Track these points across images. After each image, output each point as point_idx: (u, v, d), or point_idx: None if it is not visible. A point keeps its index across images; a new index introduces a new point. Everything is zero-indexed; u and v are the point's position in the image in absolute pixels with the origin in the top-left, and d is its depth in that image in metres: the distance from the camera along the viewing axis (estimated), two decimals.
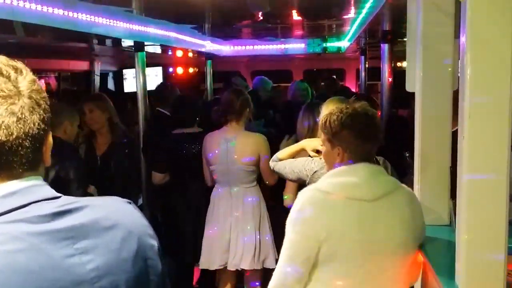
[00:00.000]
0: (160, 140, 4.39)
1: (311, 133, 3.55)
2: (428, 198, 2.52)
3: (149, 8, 4.67)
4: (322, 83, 8.89)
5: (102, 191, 3.79)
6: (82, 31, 3.93)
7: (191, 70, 10.09)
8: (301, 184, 2.93)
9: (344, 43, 8.02)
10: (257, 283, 3.98)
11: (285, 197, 3.69)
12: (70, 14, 3.66)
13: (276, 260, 2.16)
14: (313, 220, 2.00)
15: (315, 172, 2.79)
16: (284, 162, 3.03)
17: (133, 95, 5.56)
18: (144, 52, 5.35)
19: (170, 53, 7.85)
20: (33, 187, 1.04)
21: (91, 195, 3.61)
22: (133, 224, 1.14)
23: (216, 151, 3.89)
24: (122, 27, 4.59)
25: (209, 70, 8.17)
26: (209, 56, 8.11)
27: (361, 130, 2.11)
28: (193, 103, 4.41)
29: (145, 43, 5.43)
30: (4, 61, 1.04)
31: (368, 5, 4.41)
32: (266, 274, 3.75)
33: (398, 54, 5.49)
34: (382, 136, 2.23)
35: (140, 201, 4.83)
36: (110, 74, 8.41)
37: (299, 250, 2.02)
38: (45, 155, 1.09)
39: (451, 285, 1.82)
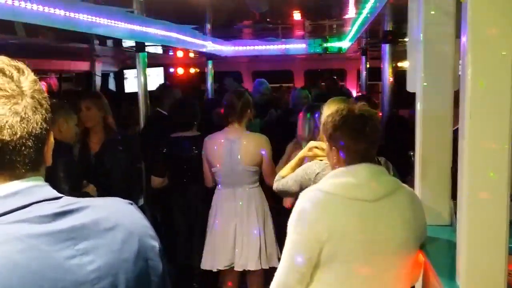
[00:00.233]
0: (158, 143, 4.40)
1: (312, 135, 3.54)
2: (429, 198, 2.52)
3: (150, 8, 4.68)
4: (322, 84, 8.89)
5: (99, 190, 3.78)
6: (83, 32, 3.93)
7: (192, 70, 10.10)
8: None
9: (345, 43, 8.03)
10: (260, 283, 3.98)
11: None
12: (71, 14, 3.66)
13: (279, 260, 2.16)
14: (314, 220, 2.00)
15: (317, 174, 2.79)
16: (286, 177, 3.02)
17: (134, 95, 5.58)
18: (145, 53, 5.36)
19: (171, 53, 7.86)
20: (34, 188, 1.04)
21: (89, 194, 3.61)
22: (134, 225, 1.13)
23: (219, 153, 3.90)
24: (123, 28, 4.60)
25: (210, 71, 8.18)
26: (210, 56, 8.12)
27: (354, 131, 2.11)
28: (192, 106, 4.39)
29: (146, 44, 5.44)
30: (6, 61, 1.05)
31: (369, 5, 4.41)
32: (268, 274, 3.75)
33: (399, 54, 5.50)
34: (381, 137, 2.23)
35: (141, 202, 4.84)
36: (111, 75, 8.42)
37: (300, 250, 2.02)
38: (46, 155, 1.10)
39: (452, 285, 1.82)
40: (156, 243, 1.16)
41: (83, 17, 3.87)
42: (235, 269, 3.90)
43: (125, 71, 8.18)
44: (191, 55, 7.90)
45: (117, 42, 5.92)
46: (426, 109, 2.53)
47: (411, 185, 2.46)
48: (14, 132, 1.00)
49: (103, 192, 3.75)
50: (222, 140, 3.90)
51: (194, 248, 4.15)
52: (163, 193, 4.37)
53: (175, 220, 4.24)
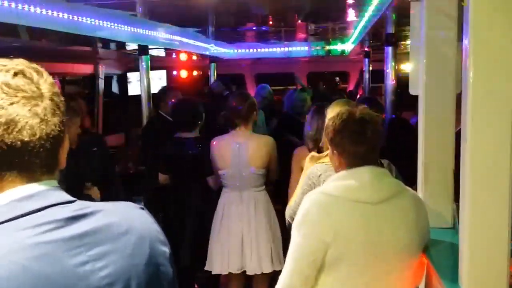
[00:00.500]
0: (158, 143, 4.41)
1: (319, 135, 3.53)
2: (432, 201, 2.52)
3: (153, 11, 4.69)
4: (324, 86, 8.88)
5: (76, 191, 3.76)
6: (87, 35, 3.94)
7: (195, 73, 10.11)
8: None
9: (347, 46, 8.03)
10: (266, 286, 3.98)
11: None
12: (75, 18, 3.68)
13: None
14: (319, 222, 2.01)
15: (319, 176, 2.80)
16: (293, 198, 2.97)
17: (138, 98, 5.59)
18: (148, 56, 5.37)
19: (174, 56, 7.87)
20: (49, 191, 1.05)
21: (90, 197, 3.61)
22: (145, 230, 1.14)
23: (227, 156, 3.91)
24: (127, 31, 4.61)
25: (213, 73, 8.19)
26: (213, 59, 8.12)
27: (354, 135, 2.11)
28: (193, 107, 4.39)
29: (149, 47, 5.46)
30: (26, 63, 1.06)
31: (372, 8, 4.42)
32: (273, 276, 3.75)
33: (401, 57, 5.50)
34: (382, 140, 2.23)
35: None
36: (114, 77, 8.43)
37: (305, 252, 2.02)
38: (61, 158, 1.10)
39: (455, 287, 1.82)
40: (166, 249, 1.17)
41: (87, 20, 3.88)
42: (248, 273, 3.90)
43: (128, 74, 8.19)
44: (194, 57, 7.91)
45: (121, 45, 5.94)
46: (428, 111, 2.53)
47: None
48: (33, 133, 1.01)
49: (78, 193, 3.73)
50: (230, 143, 3.92)
51: (195, 249, 4.15)
52: (164, 193, 4.39)
53: (174, 221, 4.24)
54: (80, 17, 3.76)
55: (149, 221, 1.17)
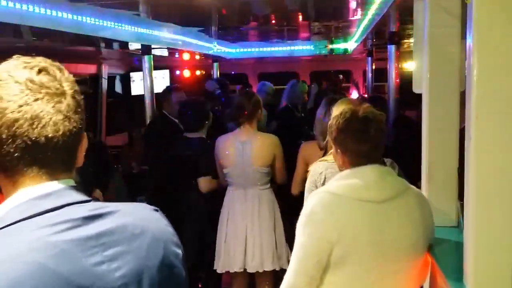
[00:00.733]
0: (161, 144, 4.41)
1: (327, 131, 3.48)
2: (436, 199, 2.51)
3: (156, 11, 4.69)
4: (326, 84, 8.86)
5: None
6: (90, 35, 3.95)
7: (198, 72, 10.12)
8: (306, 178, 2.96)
9: (350, 45, 8.02)
10: (269, 285, 3.98)
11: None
12: (78, 18, 3.68)
13: (289, 262, 2.15)
14: (324, 222, 2.00)
15: (320, 173, 2.82)
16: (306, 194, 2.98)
17: (141, 97, 5.60)
18: (151, 55, 5.38)
19: (177, 56, 7.88)
20: (66, 190, 1.06)
21: (98, 199, 3.62)
22: (159, 231, 1.14)
23: (231, 154, 3.92)
24: (130, 30, 4.62)
25: (216, 73, 8.19)
26: (216, 58, 8.13)
27: (358, 133, 2.11)
28: (200, 108, 4.39)
29: (152, 46, 5.46)
30: (48, 61, 1.08)
31: (374, 6, 4.41)
32: (278, 275, 3.75)
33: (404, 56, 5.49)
34: (387, 138, 2.23)
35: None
36: (118, 77, 8.44)
37: (310, 252, 2.01)
38: (79, 156, 1.12)
39: (459, 286, 1.81)
40: (180, 251, 1.17)
41: (90, 20, 3.89)
42: (248, 271, 3.91)
43: (131, 73, 8.20)
44: (197, 57, 7.92)
45: (124, 45, 5.95)
46: (432, 110, 2.53)
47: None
48: (57, 129, 1.03)
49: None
50: (234, 142, 3.93)
51: (196, 249, 4.15)
52: (164, 192, 4.40)
53: (175, 221, 4.23)
54: (83, 17, 3.76)
55: (163, 223, 1.17)
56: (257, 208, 3.90)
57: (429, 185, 2.56)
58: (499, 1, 1.62)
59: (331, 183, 2.14)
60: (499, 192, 1.66)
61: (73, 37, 4.35)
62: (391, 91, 5.38)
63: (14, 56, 1.07)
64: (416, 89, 2.74)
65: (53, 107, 1.02)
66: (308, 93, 7.39)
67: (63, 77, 1.07)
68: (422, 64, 2.58)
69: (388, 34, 5.38)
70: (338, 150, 2.18)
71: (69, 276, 0.96)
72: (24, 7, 3.09)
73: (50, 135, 1.02)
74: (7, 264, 0.92)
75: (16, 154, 1.01)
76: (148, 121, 5.39)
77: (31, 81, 1.02)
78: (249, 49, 8.38)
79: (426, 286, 2.29)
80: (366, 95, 8.87)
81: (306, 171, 3.04)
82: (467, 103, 1.71)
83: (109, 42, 5.64)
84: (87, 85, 7.02)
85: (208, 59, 8.28)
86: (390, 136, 4.84)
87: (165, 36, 5.55)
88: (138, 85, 7.62)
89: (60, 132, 1.03)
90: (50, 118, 1.02)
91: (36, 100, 1.01)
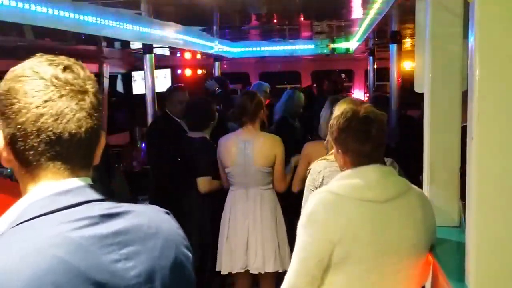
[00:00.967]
0: (162, 144, 4.40)
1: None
2: (438, 199, 2.51)
3: (158, 10, 4.69)
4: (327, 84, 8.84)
5: None
6: (92, 34, 3.95)
7: (199, 72, 10.11)
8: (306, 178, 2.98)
9: (352, 44, 8.01)
10: (272, 285, 3.97)
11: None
12: (80, 17, 3.68)
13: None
14: (325, 221, 2.00)
15: (319, 172, 2.83)
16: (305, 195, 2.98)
17: (142, 97, 5.60)
18: (153, 54, 5.38)
19: (178, 55, 7.87)
20: (85, 187, 1.08)
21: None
22: (171, 233, 1.16)
23: (233, 153, 3.92)
24: (131, 30, 4.62)
25: (217, 72, 8.19)
26: (217, 57, 8.12)
27: (359, 133, 2.10)
28: (206, 108, 4.37)
29: (154, 45, 5.46)
30: (72, 60, 1.10)
31: (376, 5, 4.41)
32: (280, 276, 3.75)
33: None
34: (391, 138, 2.22)
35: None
36: (119, 76, 8.44)
37: (311, 252, 2.01)
38: (97, 154, 1.14)
39: (461, 286, 1.81)
40: (190, 254, 1.19)
41: (91, 19, 3.89)
42: (251, 272, 3.90)
43: (133, 72, 8.20)
44: (199, 56, 7.91)
45: (125, 44, 5.95)
46: (434, 109, 2.52)
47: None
48: (80, 125, 1.05)
49: None
50: (236, 141, 3.93)
51: (198, 250, 4.15)
52: (165, 192, 4.39)
53: (179, 221, 4.23)
54: (84, 16, 3.76)
55: (175, 226, 1.19)
56: (258, 208, 3.90)
57: (430, 185, 2.55)
58: (501, 0, 1.62)
59: (332, 183, 2.13)
60: (501, 192, 1.65)
61: (75, 36, 4.35)
62: (393, 90, 5.38)
63: (37, 54, 1.09)
64: (418, 89, 2.73)
65: (77, 104, 1.05)
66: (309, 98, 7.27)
67: (86, 76, 1.09)
68: (424, 63, 2.57)
69: (390, 34, 5.37)
70: (339, 150, 2.17)
71: (87, 272, 0.97)
72: (26, 6, 3.09)
73: (73, 131, 1.04)
74: (30, 258, 0.94)
75: (39, 148, 1.03)
76: (149, 120, 5.39)
77: (56, 77, 1.04)
78: (250, 49, 8.37)
79: (427, 286, 2.29)
80: (367, 94, 8.88)
81: (308, 170, 3.04)
82: (469, 102, 1.71)
83: (110, 41, 5.65)
84: None
85: (210, 58, 8.27)
86: (395, 136, 4.84)
87: (166, 35, 5.54)
88: (139, 84, 7.63)
89: (83, 129, 1.05)
90: (74, 115, 1.04)
91: (61, 96, 1.04)
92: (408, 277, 2.06)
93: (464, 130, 1.88)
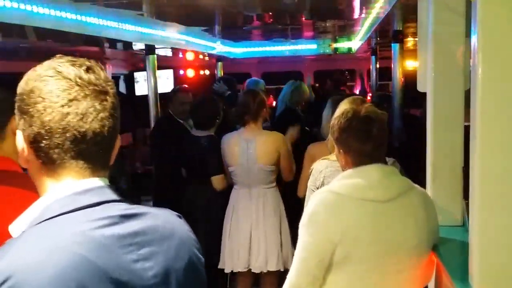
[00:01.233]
0: (165, 144, 4.40)
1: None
2: (441, 199, 2.50)
3: (160, 11, 4.70)
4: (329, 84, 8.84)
5: None
6: (94, 35, 3.95)
7: (202, 72, 10.12)
8: None
9: (354, 44, 8.01)
10: (274, 284, 3.97)
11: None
12: (82, 18, 3.68)
13: None
14: (327, 221, 1.99)
15: (320, 171, 2.83)
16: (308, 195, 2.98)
17: (145, 97, 5.60)
18: (155, 55, 5.38)
19: (181, 55, 7.88)
20: (104, 187, 1.10)
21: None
22: (184, 236, 1.18)
23: (235, 153, 3.92)
24: (133, 30, 4.62)
25: (219, 72, 8.19)
26: (220, 58, 8.13)
27: (360, 133, 2.10)
28: (213, 107, 4.37)
29: (156, 46, 5.46)
30: (92, 61, 1.12)
31: (378, 5, 4.40)
32: (281, 275, 3.74)
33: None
34: (387, 138, 2.21)
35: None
36: (122, 77, 8.46)
37: (312, 252, 2.01)
38: (113, 154, 1.16)
39: (465, 286, 1.80)
40: (201, 256, 1.21)
41: (94, 20, 3.89)
42: (253, 271, 3.90)
43: (135, 73, 8.22)
44: (201, 57, 7.92)
45: (128, 45, 5.95)
46: (437, 108, 2.52)
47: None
48: (103, 125, 1.07)
49: None
50: (238, 140, 3.93)
51: (204, 249, 4.14)
52: (171, 192, 4.39)
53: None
54: (86, 17, 3.76)
55: (187, 229, 1.21)
56: (262, 207, 3.90)
57: (433, 184, 2.54)
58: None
59: (333, 183, 2.13)
60: (504, 191, 1.65)
61: (77, 37, 4.35)
62: (395, 89, 5.37)
63: (57, 56, 1.11)
64: (420, 88, 2.72)
65: (100, 104, 1.07)
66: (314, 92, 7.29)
67: (106, 77, 1.11)
68: (427, 62, 2.57)
69: (392, 33, 5.37)
70: (341, 150, 2.16)
71: (108, 271, 0.99)
72: (28, 7, 3.10)
73: (97, 130, 1.07)
74: (55, 255, 0.96)
75: (65, 147, 1.05)
76: (152, 121, 5.39)
77: (80, 77, 1.06)
78: (252, 49, 8.37)
79: (431, 286, 2.28)
80: (370, 94, 8.87)
81: (310, 170, 3.04)
82: (472, 101, 1.70)
83: (113, 42, 5.66)
84: None
85: (212, 59, 8.28)
86: (401, 136, 4.83)
87: (168, 35, 5.55)
88: (142, 86, 7.64)
89: (106, 128, 1.08)
90: (98, 114, 1.06)
91: (86, 96, 1.06)
92: (410, 277, 2.05)
93: (467, 129, 1.88)
